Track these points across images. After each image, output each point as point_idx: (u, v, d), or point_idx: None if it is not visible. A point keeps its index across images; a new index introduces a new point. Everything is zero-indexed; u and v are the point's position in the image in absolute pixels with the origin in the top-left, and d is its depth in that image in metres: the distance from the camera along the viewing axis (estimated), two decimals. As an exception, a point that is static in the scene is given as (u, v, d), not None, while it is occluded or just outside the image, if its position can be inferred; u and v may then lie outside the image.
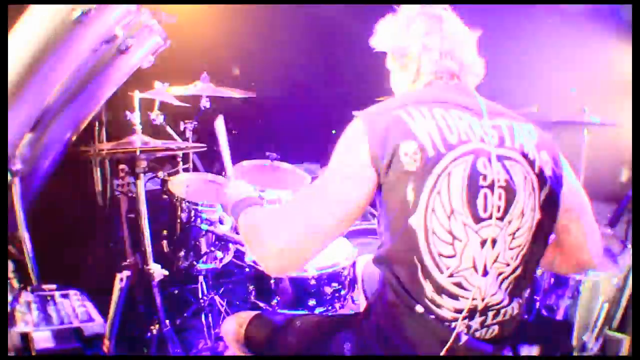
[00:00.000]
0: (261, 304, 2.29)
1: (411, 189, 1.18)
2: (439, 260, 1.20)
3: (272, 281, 2.22)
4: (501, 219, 1.23)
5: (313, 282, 2.20)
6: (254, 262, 2.26)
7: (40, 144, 1.71)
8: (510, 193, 1.24)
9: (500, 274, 1.26)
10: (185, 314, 2.67)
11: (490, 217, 1.22)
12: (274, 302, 2.24)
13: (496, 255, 1.24)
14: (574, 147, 2.78)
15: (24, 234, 1.70)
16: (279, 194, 2.56)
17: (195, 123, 2.80)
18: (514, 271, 1.28)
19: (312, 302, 2.22)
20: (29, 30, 1.37)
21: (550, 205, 1.31)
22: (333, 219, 1.20)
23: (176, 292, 2.89)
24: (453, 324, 1.22)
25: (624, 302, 2.70)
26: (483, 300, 1.24)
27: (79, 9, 1.36)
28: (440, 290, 1.22)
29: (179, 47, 2.49)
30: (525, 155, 1.28)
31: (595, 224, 1.44)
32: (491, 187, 1.22)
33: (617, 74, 3.21)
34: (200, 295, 2.69)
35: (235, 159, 2.85)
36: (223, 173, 2.60)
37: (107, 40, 1.51)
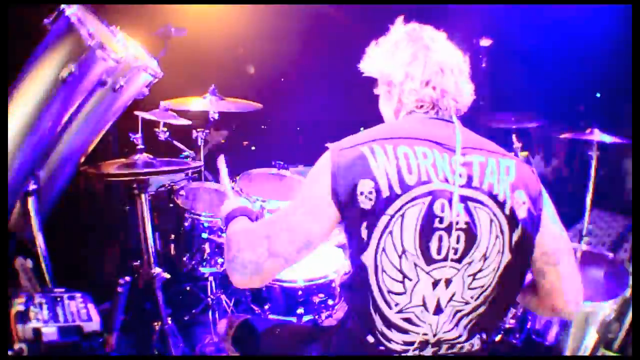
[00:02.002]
0: (256, 308, 2.60)
1: (364, 227, 1.26)
2: (388, 296, 1.29)
3: (263, 288, 2.51)
4: (458, 260, 1.28)
5: (301, 292, 2.47)
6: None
7: (53, 166, 2.06)
8: (470, 236, 1.27)
9: (457, 312, 1.32)
10: (194, 311, 3.03)
11: (445, 259, 1.27)
12: (267, 307, 2.54)
13: (451, 294, 1.30)
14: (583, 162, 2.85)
15: (40, 242, 2.08)
16: (281, 204, 2.83)
17: (207, 132, 3.12)
18: (475, 309, 1.33)
19: (300, 310, 2.50)
20: (25, 91, 1.70)
21: (522, 248, 1.33)
22: (293, 247, 1.32)
23: (188, 288, 3.28)
24: (403, 354, 1.32)
25: (627, 321, 2.76)
26: (435, 335, 1.32)
27: (66, 70, 1.66)
28: (389, 324, 1.31)
29: (188, 60, 2.79)
30: (494, 197, 1.29)
31: (575, 269, 1.44)
32: (448, 229, 1.26)
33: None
34: (208, 293, 3.04)
35: (244, 167, 3.17)
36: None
37: (100, 84, 1.81)
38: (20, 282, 2.00)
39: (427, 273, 1.28)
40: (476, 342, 1.37)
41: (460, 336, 1.34)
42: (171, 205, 2.79)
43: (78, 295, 1.98)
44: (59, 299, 1.90)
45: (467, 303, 1.32)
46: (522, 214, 1.31)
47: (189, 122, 2.92)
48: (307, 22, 4.33)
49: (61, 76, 1.70)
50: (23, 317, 1.71)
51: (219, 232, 2.71)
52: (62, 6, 1.79)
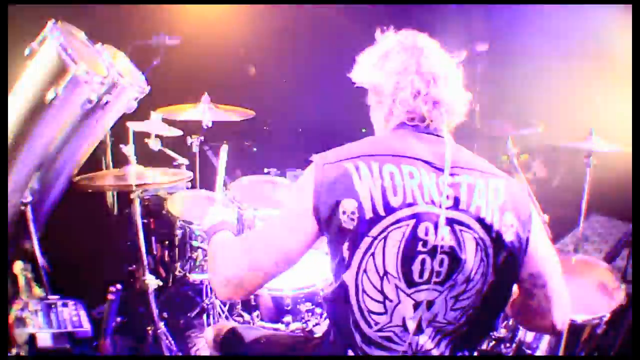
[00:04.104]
0: (246, 315, 2.79)
1: (346, 247, 1.30)
2: (368, 316, 1.34)
3: (252, 297, 2.70)
4: (441, 283, 1.32)
5: (289, 301, 2.65)
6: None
7: (48, 178, 2.26)
8: (454, 259, 1.31)
9: (439, 332, 1.37)
10: (189, 314, 3.25)
11: (427, 282, 1.31)
12: (255, 314, 2.73)
13: (433, 316, 1.34)
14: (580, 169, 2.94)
15: (37, 250, 2.29)
16: (273, 212, 3.01)
17: (202, 138, 3.31)
18: (457, 329, 1.39)
19: (287, 319, 2.67)
20: (15, 110, 1.89)
21: (508, 269, 1.37)
22: (272, 262, 1.38)
23: (186, 289, 3.50)
24: None
25: (625, 330, 2.85)
26: (415, 353, 1.37)
27: (51, 94, 1.84)
28: (369, 341, 1.37)
29: (184, 68, 2.98)
30: (481, 220, 1.31)
31: (563, 289, 1.47)
32: (432, 252, 1.29)
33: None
34: (204, 297, 3.24)
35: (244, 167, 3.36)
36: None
37: (87, 102, 1.96)
38: (19, 287, 2.22)
39: (408, 295, 1.32)
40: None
41: (442, 354, 1.40)
42: (164, 212, 3.00)
43: (71, 302, 2.17)
44: (53, 305, 2.07)
45: (449, 324, 1.37)
46: (509, 237, 1.34)
47: (181, 133, 3.11)
48: (303, 25, 4.47)
49: (46, 99, 1.87)
50: (20, 322, 1.89)
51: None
52: (47, 29, 1.93)
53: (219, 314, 3.18)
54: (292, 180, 3.70)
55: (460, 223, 1.31)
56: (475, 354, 1.50)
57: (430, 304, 1.33)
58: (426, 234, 1.29)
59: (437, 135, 1.45)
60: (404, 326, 1.35)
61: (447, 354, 1.40)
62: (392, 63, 1.47)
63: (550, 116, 3.27)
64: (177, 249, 2.91)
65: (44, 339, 1.89)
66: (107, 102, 2.08)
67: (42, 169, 2.20)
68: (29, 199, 2.19)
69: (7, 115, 1.94)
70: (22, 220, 2.25)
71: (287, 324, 2.67)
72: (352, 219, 1.28)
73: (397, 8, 3.90)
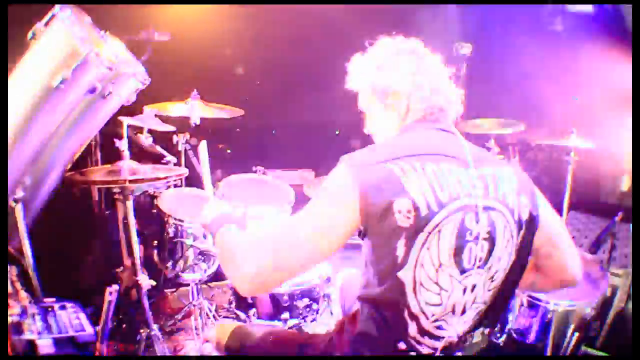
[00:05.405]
0: (241, 314, 2.79)
1: (402, 244, 1.35)
2: (425, 307, 1.42)
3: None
4: (482, 267, 1.44)
5: (286, 297, 2.67)
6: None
7: (39, 173, 2.14)
8: (491, 243, 1.44)
9: (477, 314, 1.51)
10: (176, 316, 3.20)
11: (472, 267, 1.43)
12: (252, 312, 2.74)
13: (474, 298, 1.47)
14: (561, 166, 3.12)
15: (28, 251, 2.21)
16: (263, 210, 3.02)
17: (188, 136, 3.28)
18: (489, 306, 1.53)
19: (285, 315, 2.70)
20: (16, 96, 1.76)
21: (525, 246, 1.53)
22: (299, 264, 1.42)
23: (172, 293, 3.45)
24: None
25: (609, 320, 3.03)
26: (459, 338, 1.50)
27: (58, 78, 1.73)
28: (423, 332, 1.45)
29: (172, 64, 2.94)
30: (506, 205, 1.46)
31: (572, 242, 1.66)
32: (476, 240, 1.42)
33: (608, 92, 3.48)
34: (190, 299, 3.20)
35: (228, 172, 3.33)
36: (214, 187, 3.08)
37: (90, 91, 1.88)
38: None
39: (460, 282, 1.43)
40: (485, 332, 1.61)
41: (471, 334, 1.54)
42: (154, 211, 2.95)
43: (69, 305, 2.10)
44: (50, 309, 2.02)
45: (484, 304, 1.51)
46: (525, 216, 1.50)
47: (174, 128, 3.07)
48: (289, 26, 4.50)
49: (53, 83, 1.76)
50: (16, 328, 1.81)
51: (203, 238, 2.88)
52: (56, 9, 1.84)
53: (207, 315, 3.17)
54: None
55: (492, 209, 1.45)
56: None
57: (473, 288, 1.46)
58: (471, 224, 1.41)
59: (448, 132, 1.57)
60: (454, 312, 1.46)
61: (476, 333, 1.53)
62: (405, 64, 1.56)
63: (532, 116, 3.44)
64: (167, 248, 2.86)
65: (46, 345, 1.83)
66: (109, 93, 1.99)
67: (35, 163, 2.11)
68: (20, 194, 2.10)
69: (7, 112, 1.83)
70: (11, 219, 2.16)
71: (285, 321, 2.70)
72: (408, 217, 1.35)
73: (374, 9, 3.99)
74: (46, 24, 1.82)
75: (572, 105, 3.50)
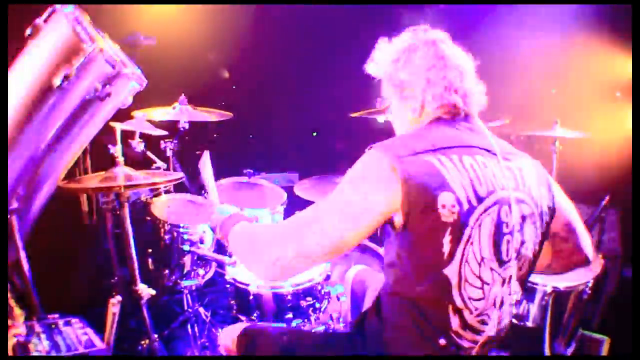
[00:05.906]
0: (243, 318, 2.76)
1: (448, 240, 1.35)
2: (469, 302, 1.43)
3: (250, 297, 2.67)
4: (517, 258, 1.48)
5: (289, 297, 2.66)
6: (234, 278, 2.71)
7: (33, 182, 2.07)
8: (523, 235, 1.47)
9: (511, 303, 1.54)
10: (172, 325, 3.14)
11: (510, 259, 1.46)
12: (254, 316, 2.71)
13: (508, 289, 1.50)
14: (546, 157, 3.22)
15: (25, 265, 2.13)
16: (256, 212, 3.01)
17: (176, 142, 3.23)
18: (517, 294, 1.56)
19: (289, 315, 2.68)
20: (12, 98, 1.66)
21: (544, 234, 1.57)
22: (324, 252, 1.40)
23: (165, 300, 3.37)
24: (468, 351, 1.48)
25: (602, 303, 3.12)
26: (499, 329, 1.51)
27: (60, 76, 1.64)
28: (465, 326, 1.45)
29: (158, 69, 2.90)
30: (532, 197, 1.50)
31: (582, 224, 1.71)
32: (511, 232, 1.44)
33: (590, 83, 3.63)
34: (185, 307, 3.15)
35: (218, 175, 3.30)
36: (203, 192, 3.05)
37: (90, 92, 1.79)
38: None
39: (500, 274, 1.46)
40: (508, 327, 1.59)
41: (506, 324, 1.56)
42: (148, 218, 2.89)
43: (74, 320, 2.00)
44: (54, 325, 1.95)
45: (515, 293, 1.52)
46: (545, 207, 1.54)
47: (166, 133, 3.03)
48: (278, 28, 4.51)
49: (54, 82, 1.67)
50: (22, 350, 1.73)
51: (200, 243, 2.85)
52: (58, 5, 1.75)
53: (204, 322, 3.12)
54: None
55: (522, 201, 1.47)
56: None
57: (510, 279, 1.48)
58: (506, 216, 1.43)
59: (472, 124, 1.56)
60: (494, 305, 1.48)
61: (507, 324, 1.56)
62: (419, 60, 1.55)
63: (517, 109, 3.54)
64: (164, 256, 2.81)
65: (60, 366, 1.75)
66: (108, 94, 1.89)
67: (30, 172, 2.04)
68: (15, 205, 2.03)
69: (7, 116, 1.74)
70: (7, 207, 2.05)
71: (289, 321, 2.68)
72: (452, 212, 1.34)
73: (365, 9, 4.02)
74: (46, 19, 1.73)
75: (552, 97, 3.62)
